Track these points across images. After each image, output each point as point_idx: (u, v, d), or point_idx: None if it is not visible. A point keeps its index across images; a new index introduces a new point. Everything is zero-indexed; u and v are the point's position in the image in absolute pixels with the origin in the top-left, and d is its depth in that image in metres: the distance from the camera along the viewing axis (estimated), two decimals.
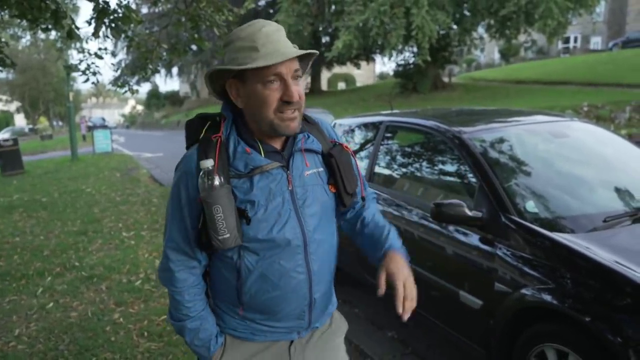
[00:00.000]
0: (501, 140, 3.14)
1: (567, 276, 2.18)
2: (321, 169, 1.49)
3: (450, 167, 3.19)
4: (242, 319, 1.49)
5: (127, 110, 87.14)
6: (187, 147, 1.45)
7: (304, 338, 1.55)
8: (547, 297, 2.18)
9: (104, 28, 5.02)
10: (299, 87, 1.35)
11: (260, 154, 1.38)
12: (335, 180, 1.49)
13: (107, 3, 4.94)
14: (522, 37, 27.03)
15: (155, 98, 56.28)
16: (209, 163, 1.31)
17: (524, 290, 2.29)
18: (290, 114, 1.34)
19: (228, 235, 1.31)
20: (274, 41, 1.32)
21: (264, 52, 1.29)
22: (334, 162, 1.48)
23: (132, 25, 5.24)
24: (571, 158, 3.18)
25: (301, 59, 1.39)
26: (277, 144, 1.42)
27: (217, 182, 1.30)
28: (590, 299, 2.06)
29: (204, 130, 1.42)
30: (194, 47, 12.83)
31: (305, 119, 1.51)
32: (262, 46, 1.30)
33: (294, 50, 1.32)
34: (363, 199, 1.63)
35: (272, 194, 1.37)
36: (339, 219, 1.63)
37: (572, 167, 3.08)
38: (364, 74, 51.13)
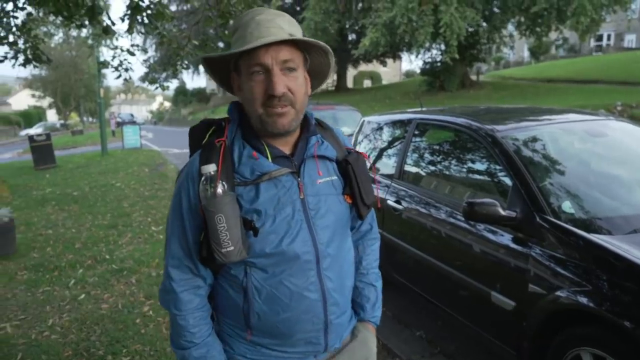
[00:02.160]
0: (535, 139, 3.08)
1: (605, 278, 2.12)
2: (335, 178, 1.36)
3: (481, 166, 3.14)
4: (251, 344, 1.34)
5: (154, 106, 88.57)
6: (191, 155, 1.34)
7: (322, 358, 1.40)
8: (584, 300, 2.13)
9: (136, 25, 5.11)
10: (291, 80, 1.21)
11: (268, 159, 1.26)
12: (352, 190, 1.36)
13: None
14: (553, 35, 26.46)
15: (182, 95, 57.03)
16: (211, 168, 1.19)
17: (559, 292, 2.23)
18: (279, 109, 1.20)
19: (232, 247, 1.17)
20: (264, 29, 1.19)
21: (249, 40, 1.18)
22: (351, 169, 1.36)
23: (163, 21, 5.31)
24: (609, 158, 3.09)
25: (309, 51, 1.27)
26: (286, 148, 1.30)
27: (220, 189, 1.17)
28: (629, 302, 2.00)
29: (207, 135, 1.32)
30: (220, 44, 12.92)
31: (320, 124, 1.40)
32: (250, 35, 1.19)
33: (273, 37, 1.17)
34: (361, 217, 1.44)
35: (280, 204, 1.24)
36: None
37: (611, 167, 3.00)
38: (390, 72, 50.83)
